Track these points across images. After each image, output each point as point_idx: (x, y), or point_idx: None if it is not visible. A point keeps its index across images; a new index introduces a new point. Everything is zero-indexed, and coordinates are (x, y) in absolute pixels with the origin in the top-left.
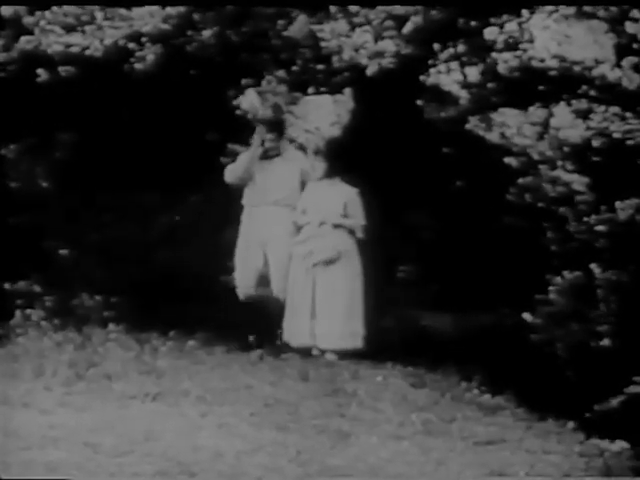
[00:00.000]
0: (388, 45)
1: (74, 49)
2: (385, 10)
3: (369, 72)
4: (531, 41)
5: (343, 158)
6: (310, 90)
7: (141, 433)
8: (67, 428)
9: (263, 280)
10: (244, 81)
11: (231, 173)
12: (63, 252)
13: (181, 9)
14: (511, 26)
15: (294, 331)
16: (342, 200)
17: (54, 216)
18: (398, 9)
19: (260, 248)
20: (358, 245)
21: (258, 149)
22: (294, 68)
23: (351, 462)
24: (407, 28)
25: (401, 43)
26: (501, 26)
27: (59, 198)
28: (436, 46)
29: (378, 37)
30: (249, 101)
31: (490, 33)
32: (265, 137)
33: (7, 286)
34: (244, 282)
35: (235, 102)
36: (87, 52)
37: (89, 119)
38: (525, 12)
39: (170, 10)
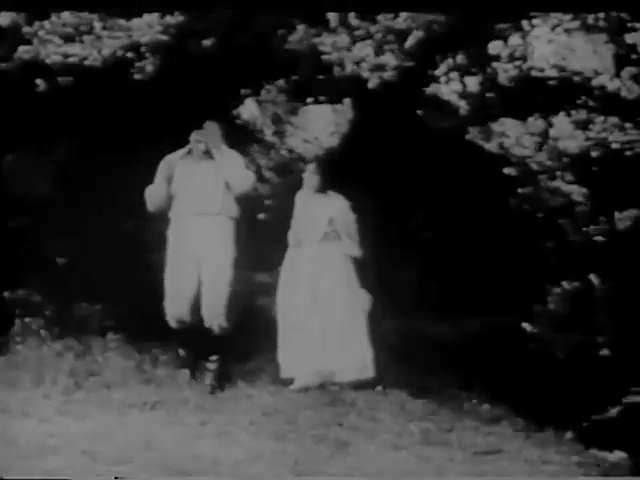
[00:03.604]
0: (390, 59)
1: (72, 59)
2: (386, 25)
3: (370, 85)
4: (531, 53)
5: (336, 170)
6: (309, 100)
7: (140, 442)
8: (66, 437)
9: (198, 304)
10: (243, 91)
11: (153, 199)
12: (62, 260)
13: (180, 18)
14: (515, 40)
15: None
16: (328, 215)
17: (53, 225)
18: (400, 24)
19: (193, 266)
20: (354, 264)
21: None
22: (294, 77)
23: (349, 472)
24: (409, 42)
25: (403, 57)
26: (505, 40)
27: (58, 206)
28: (436, 56)
29: (379, 51)
30: (249, 111)
31: (495, 48)
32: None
33: (6, 294)
34: (176, 308)
35: (235, 112)
36: (86, 62)
37: (87, 127)
38: (525, 23)
39: (169, 19)
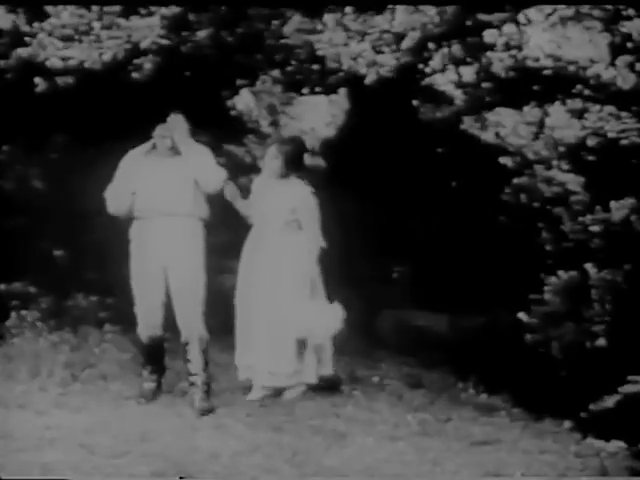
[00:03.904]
0: (387, 59)
1: (72, 62)
2: (382, 28)
3: (368, 81)
4: (526, 42)
5: (299, 154)
6: (305, 90)
7: (137, 434)
8: (63, 429)
9: (170, 314)
10: (239, 82)
11: (115, 200)
12: (58, 253)
13: (176, 9)
14: (510, 28)
15: (240, 363)
16: (290, 203)
17: (49, 217)
18: (396, 26)
19: (160, 273)
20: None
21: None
22: (289, 68)
23: (347, 463)
24: (406, 43)
25: (400, 56)
26: (499, 28)
27: (54, 199)
28: (431, 45)
29: (376, 48)
30: (244, 101)
31: (490, 36)
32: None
33: (2, 287)
34: (147, 318)
35: (230, 103)
36: (85, 64)
37: (84, 122)
38: (520, 14)
39: (165, 11)
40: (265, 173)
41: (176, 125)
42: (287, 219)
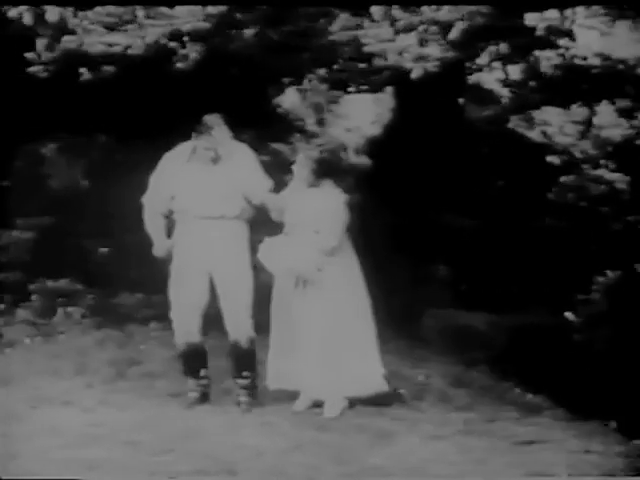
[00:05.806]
0: (433, 50)
1: (116, 49)
2: (428, 17)
3: (414, 76)
4: (570, 34)
5: (329, 162)
6: (351, 89)
7: (182, 431)
8: (108, 426)
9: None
10: (285, 80)
11: (154, 202)
12: (104, 250)
13: (222, 8)
14: (552, 14)
15: (275, 372)
16: (318, 213)
17: (95, 215)
18: (442, 15)
19: (204, 277)
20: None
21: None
22: (335, 67)
23: (392, 462)
24: (453, 34)
25: (446, 47)
26: (547, 27)
27: (99, 197)
28: (479, 45)
29: (423, 41)
30: (290, 100)
31: (532, 19)
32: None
33: (49, 284)
34: (185, 325)
35: (276, 101)
36: (129, 51)
37: (128, 118)
38: (568, 11)
39: (211, 9)
40: (295, 181)
41: (221, 137)
42: (316, 229)
